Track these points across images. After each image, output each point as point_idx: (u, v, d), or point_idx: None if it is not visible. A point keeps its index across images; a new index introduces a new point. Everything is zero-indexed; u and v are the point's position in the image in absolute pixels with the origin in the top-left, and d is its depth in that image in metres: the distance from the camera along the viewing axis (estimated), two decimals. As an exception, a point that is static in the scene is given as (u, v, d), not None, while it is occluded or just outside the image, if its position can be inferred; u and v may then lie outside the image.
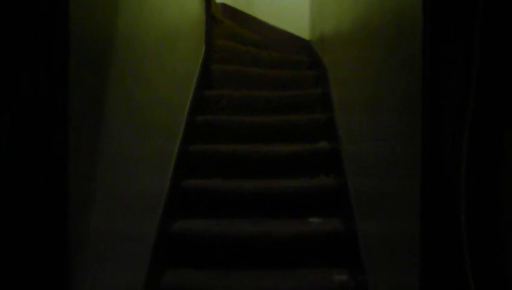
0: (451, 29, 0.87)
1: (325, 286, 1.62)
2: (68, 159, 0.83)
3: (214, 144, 2.34)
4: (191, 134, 2.28)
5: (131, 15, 1.32)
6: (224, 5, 3.74)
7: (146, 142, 1.51)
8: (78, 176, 0.93)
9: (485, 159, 0.79)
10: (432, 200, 0.89)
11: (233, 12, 3.72)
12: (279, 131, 2.43)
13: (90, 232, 1.02)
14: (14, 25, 0.77)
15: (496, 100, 0.81)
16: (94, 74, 1.06)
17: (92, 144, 1.04)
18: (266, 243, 1.79)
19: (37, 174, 0.78)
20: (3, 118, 0.77)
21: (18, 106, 0.77)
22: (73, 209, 0.89)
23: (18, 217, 0.78)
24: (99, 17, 1.08)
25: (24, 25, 0.77)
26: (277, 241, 1.79)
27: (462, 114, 0.80)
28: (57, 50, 0.80)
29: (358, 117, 1.68)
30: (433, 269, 0.90)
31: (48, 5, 0.78)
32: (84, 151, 0.98)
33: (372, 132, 1.43)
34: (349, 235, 1.75)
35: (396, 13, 1.14)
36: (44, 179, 0.79)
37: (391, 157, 1.18)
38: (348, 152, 1.90)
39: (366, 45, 1.53)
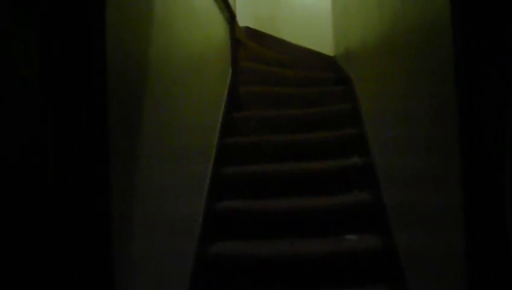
0: (482, 33, 0.86)
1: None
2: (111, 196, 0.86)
3: (245, 165, 2.35)
4: (223, 156, 2.30)
5: (162, 45, 1.37)
6: (247, 28, 3.82)
7: (179, 167, 1.54)
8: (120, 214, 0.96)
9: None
10: (475, 212, 0.87)
11: (256, 35, 3.79)
12: (309, 148, 2.42)
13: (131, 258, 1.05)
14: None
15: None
16: (129, 110, 1.10)
17: (130, 178, 1.07)
18: (303, 264, 1.76)
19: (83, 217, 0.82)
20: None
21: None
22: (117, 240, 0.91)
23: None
24: (134, 52, 1.13)
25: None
26: (314, 260, 1.77)
27: (503, 120, 0.78)
28: (96, 90, 0.84)
29: (390, 130, 1.66)
30: (482, 285, 0.87)
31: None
32: (123, 185, 1.01)
33: (405, 144, 1.41)
34: (388, 250, 1.71)
35: (423, 22, 1.14)
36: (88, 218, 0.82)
37: (428, 169, 1.16)
38: (381, 166, 1.88)
39: (393, 56, 1.52)
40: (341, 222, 1.97)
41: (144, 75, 1.20)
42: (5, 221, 0.80)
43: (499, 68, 0.81)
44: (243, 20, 3.67)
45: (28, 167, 0.81)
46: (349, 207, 2.00)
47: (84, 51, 0.84)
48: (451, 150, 0.93)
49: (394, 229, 1.66)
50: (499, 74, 0.82)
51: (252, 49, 3.38)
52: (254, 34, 3.77)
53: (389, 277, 1.67)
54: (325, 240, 1.89)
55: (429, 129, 1.13)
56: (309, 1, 3.95)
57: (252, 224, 1.99)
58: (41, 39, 0.82)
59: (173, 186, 1.44)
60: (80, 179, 0.82)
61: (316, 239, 1.91)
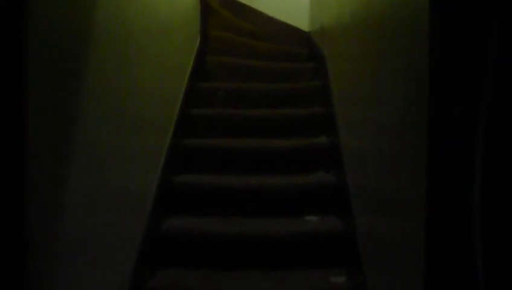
0: (460, 12, 0.77)
1: (323, 288, 1.53)
2: (27, 156, 0.74)
3: (208, 138, 2.24)
4: (185, 128, 2.18)
5: (115, 5, 1.23)
6: (221, -5, 3.63)
7: (131, 137, 1.42)
8: (42, 175, 0.84)
9: (503, 153, 0.69)
10: (439, 197, 0.80)
11: (231, 2, 3.61)
12: (276, 125, 2.33)
13: (61, 233, 0.93)
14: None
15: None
16: (63, 68, 0.96)
17: (60, 139, 0.94)
18: (261, 243, 1.70)
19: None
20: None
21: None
22: (34, 210, 0.80)
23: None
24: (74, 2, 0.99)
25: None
26: (272, 241, 1.70)
27: (475, 104, 0.70)
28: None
29: (359, 111, 1.59)
30: (440, 272, 0.81)
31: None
32: (49, 147, 0.89)
33: (374, 126, 1.33)
34: (348, 234, 1.66)
35: (399, 4, 1.05)
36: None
37: (394, 152, 1.09)
38: (348, 147, 1.81)
39: (368, 37, 1.44)
40: (303, 203, 1.91)
41: (87, 29, 1.06)
42: None
43: (473, 48, 0.73)
44: (217, -13, 3.48)
45: None
46: (313, 188, 1.94)
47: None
48: (419, 137, 0.85)
49: (355, 213, 1.60)
50: (474, 53, 0.74)
51: (225, 18, 3.21)
52: (228, 2, 3.59)
53: (348, 261, 1.63)
54: (286, 221, 1.83)
55: (398, 113, 1.06)
56: (288, -28, 3.79)
57: (209, 200, 1.90)
58: None
59: (121, 158, 1.32)
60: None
61: (277, 219, 1.84)
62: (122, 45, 1.31)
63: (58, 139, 0.92)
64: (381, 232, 1.24)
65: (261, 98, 2.53)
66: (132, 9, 1.38)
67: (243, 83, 2.62)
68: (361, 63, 1.52)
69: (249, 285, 1.56)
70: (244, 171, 2.08)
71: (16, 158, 0.71)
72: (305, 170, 2.10)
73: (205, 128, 2.30)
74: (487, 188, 0.69)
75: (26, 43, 0.74)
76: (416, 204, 0.88)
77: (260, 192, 1.92)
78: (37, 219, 0.81)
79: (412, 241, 0.92)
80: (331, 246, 1.70)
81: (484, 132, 0.67)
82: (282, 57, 3.00)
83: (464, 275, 0.76)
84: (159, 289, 1.51)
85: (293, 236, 1.71)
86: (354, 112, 1.70)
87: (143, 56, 1.52)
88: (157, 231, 1.67)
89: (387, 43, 1.16)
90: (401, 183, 1.03)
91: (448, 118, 0.78)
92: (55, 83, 0.90)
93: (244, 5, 3.62)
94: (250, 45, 3.03)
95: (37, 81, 0.80)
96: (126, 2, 1.33)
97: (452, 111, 0.78)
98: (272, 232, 1.72)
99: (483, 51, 0.73)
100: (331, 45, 2.42)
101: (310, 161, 2.13)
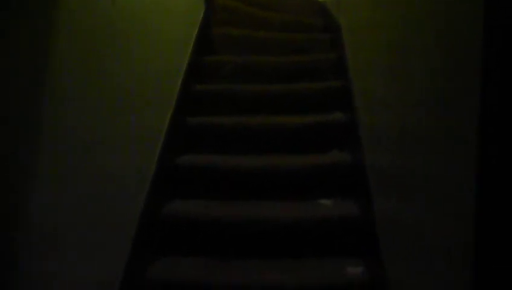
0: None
1: (337, 280, 1.39)
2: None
3: (215, 116, 2.08)
4: (189, 105, 2.03)
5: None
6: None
7: (125, 114, 1.27)
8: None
9: None
10: (492, 182, 0.63)
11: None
12: (288, 101, 2.16)
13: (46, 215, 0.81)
14: None
15: None
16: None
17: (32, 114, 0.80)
18: (271, 230, 1.56)
19: None
20: None
21: None
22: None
23: None
24: None
25: None
26: (283, 226, 1.56)
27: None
28: None
29: (380, 84, 1.41)
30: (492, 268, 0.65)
31: None
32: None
33: (399, 101, 1.16)
34: (366, 219, 1.50)
35: None
36: None
37: (427, 127, 0.92)
38: (367, 124, 1.64)
39: (389, 5, 1.25)
40: (317, 185, 1.76)
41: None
42: None
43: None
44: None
45: None
46: (327, 168, 1.78)
47: None
48: (468, 107, 0.68)
49: (374, 196, 1.44)
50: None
51: (233, -15, 3.00)
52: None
53: (365, 250, 1.48)
54: (299, 204, 1.68)
55: (436, 84, 0.88)
56: None
57: (215, 183, 1.76)
58: None
59: (112, 137, 1.18)
60: None
61: (288, 203, 1.70)
62: (106, 6, 1.14)
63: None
64: (408, 219, 1.08)
65: (272, 73, 2.35)
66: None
67: (252, 56, 2.44)
68: (384, 31, 1.34)
69: (258, 275, 1.42)
70: (252, 151, 1.93)
71: None
72: (319, 149, 1.93)
73: (211, 106, 2.14)
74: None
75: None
76: (462, 187, 0.72)
77: (270, 173, 1.77)
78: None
79: (456, 232, 0.76)
80: (347, 232, 1.55)
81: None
82: (295, 28, 2.79)
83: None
84: (156, 279, 1.39)
85: (306, 221, 1.56)
86: (374, 85, 1.52)
87: (134, 23, 1.36)
88: (157, 215, 1.54)
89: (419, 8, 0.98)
90: (436, 162, 0.86)
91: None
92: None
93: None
94: (260, 16, 2.83)
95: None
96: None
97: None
98: (283, 217, 1.58)
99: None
100: (348, 13, 2.22)
101: (324, 138, 1.96)
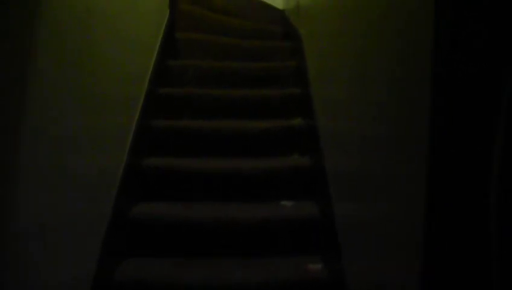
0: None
1: (299, 276, 1.47)
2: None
3: (178, 119, 2.11)
4: (153, 108, 2.04)
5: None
6: (192, -31, 3.44)
7: (94, 116, 1.28)
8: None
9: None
10: (442, 185, 0.72)
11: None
12: (250, 106, 2.23)
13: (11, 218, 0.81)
14: None
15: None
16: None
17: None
18: (234, 230, 1.61)
19: None
20: None
21: None
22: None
23: None
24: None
25: None
26: (246, 227, 1.62)
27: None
28: None
29: (340, 91, 1.50)
30: (441, 261, 0.74)
31: None
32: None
33: (355, 107, 1.25)
34: (325, 220, 1.60)
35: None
36: None
37: (383, 134, 1.01)
38: (325, 130, 1.74)
39: (350, 16, 1.34)
40: (278, 187, 1.83)
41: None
42: None
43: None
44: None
45: None
46: (287, 172, 1.86)
47: None
48: (420, 111, 0.77)
49: (334, 199, 1.54)
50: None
51: (196, -9, 3.04)
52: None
53: (324, 247, 1.57)
54: (260, 206, 1.75)
55: (387, 90, 0.97)
56: None
57: (179, 185, 1.79)
58: None
59: (83, 138, 1.19)
60: None
61: (250, 204, 1.76)
62: (83, 14, 1.16)
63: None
64: (364, 219, 1.17)
65: (234, 78, 2.41)
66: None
67: (215, 61, 2.49)
68: (344, 41, 1.43)
69: (222, 273, 1.47)
70: (215, 154, 1.98)
71: None
72: (280, 153, 2.02)
73: (174, 109, 2.17)
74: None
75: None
76: (413, 188, 0.81)
77: (232, 176, 1.83)
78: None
79: (408, 227, 0.85)
80: (307, 232, 1.63)
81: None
82: (257, 34, 2.88)
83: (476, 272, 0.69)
84: (125, 281, 1.40)
85: (267, 222, 1.63)
86: (334, 92, 1.61)
87: (107, 28, 1.38)
88: (124, 218, 1.56)
89: (376, 24, 1.07)
90: (390, 164, 0.96)
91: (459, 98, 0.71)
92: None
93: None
94: (223, 21, 2.89)
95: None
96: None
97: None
98: (246, 217, 1.64)
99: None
100: (308, 23, 2.32)
101: (284, 143, 2.04)
